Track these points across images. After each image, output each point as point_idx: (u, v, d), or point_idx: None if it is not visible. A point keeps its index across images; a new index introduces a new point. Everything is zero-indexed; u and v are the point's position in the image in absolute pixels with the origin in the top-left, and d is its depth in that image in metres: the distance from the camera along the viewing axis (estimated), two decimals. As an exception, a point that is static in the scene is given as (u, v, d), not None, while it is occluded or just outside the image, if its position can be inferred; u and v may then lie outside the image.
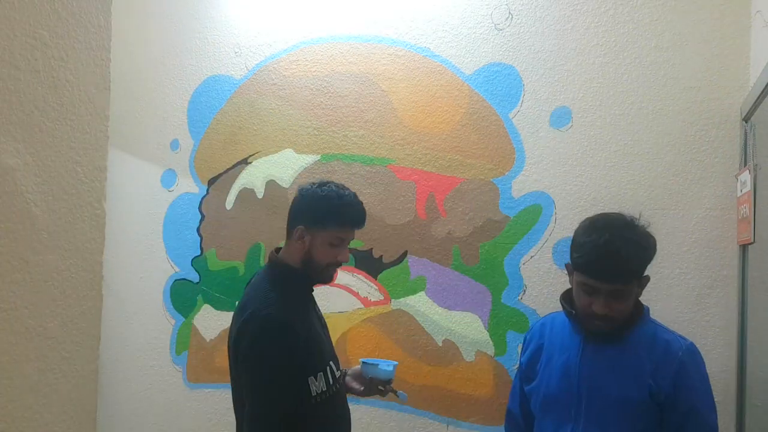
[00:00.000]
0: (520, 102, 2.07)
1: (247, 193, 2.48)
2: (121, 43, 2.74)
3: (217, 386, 2.50)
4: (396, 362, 1.67)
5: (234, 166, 2.51)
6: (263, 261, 2.42)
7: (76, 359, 0.77)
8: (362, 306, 2.26)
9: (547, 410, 1.49)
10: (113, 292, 2.66)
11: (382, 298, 2.23)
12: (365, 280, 2.25)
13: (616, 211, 1.43)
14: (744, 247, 1.73)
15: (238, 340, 1.42)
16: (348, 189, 1.54)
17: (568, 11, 2.02)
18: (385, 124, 2.24)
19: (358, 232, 1.57)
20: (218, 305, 2.52)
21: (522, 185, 2.05)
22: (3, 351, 0.67)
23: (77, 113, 0.78)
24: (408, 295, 2.18)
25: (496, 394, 2.04)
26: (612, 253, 1.30)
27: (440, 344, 2.13)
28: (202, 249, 2.55)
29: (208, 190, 2.55)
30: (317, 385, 1.46)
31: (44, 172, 0.72)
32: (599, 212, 1.49)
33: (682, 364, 1.37)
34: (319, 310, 1.64)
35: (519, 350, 1.78)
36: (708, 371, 1.41)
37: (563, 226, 1.98)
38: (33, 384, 0.71)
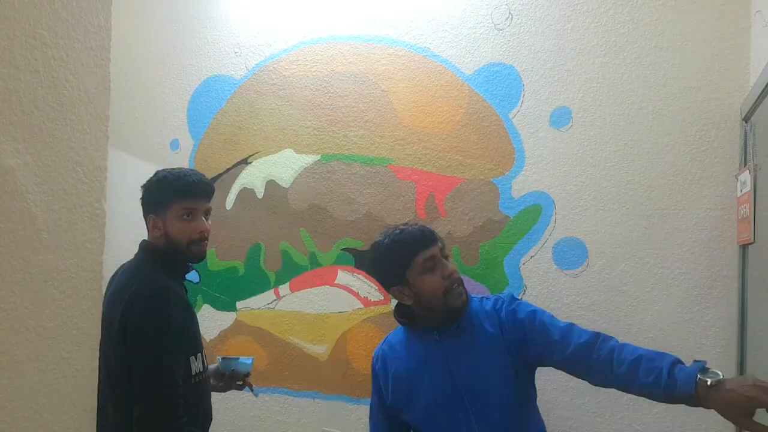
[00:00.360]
0: (520, 102, 2.07)
1: (247, 193, 2.48)
2: (121, 43, 2.74)
3: (217, 386, 2.50)
4: (253, 356, 1.80)
5: (234, 166, 2.51)
6: (263, 261, 2.43)
7: (76, 359, 0.77)
8: (362, 306, 2.26)
9: (435, 426, 1.45)
10: (113, 292, 2.65)
11: (382, 298, 2.23)
12: (365, 280, 2.25)
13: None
14: (744, 247, 1.73)
15: (126, 319, 1.41)
16: (186, 168, 1.62)
17: (568, 11, 2.02)
18: (385, 124, 2.24)
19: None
20: (218, 305, 2.52)
21: (522, 185, 2.05)
22: (3, 351, 0.67)
23: (77, 113, 0.78)
24: (408, 295, 2.18)
25: (496, 394, 2.04)
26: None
27: (440, 344, 2.13)
28: (202, 249, 2.55)
29: (208, 190, 2.55)
30: (196, 365, 1.49)
31: (44, 172, 0.72)
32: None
33: (512, 311, 1.44)
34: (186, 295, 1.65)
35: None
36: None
37: (563, 226, 1.99)
38: (33, 384, 0.71)
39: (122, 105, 2.69)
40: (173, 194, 1.55)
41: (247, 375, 1.80)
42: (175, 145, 2.63)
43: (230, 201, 2.50)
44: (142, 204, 1.63)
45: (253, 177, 2.47)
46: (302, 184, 2.38)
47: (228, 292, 2.50)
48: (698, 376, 1.12)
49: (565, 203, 1.99)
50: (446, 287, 1.40)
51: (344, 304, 2.28)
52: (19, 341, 0.69)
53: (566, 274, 1.97)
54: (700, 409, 1.14)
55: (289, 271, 2.39)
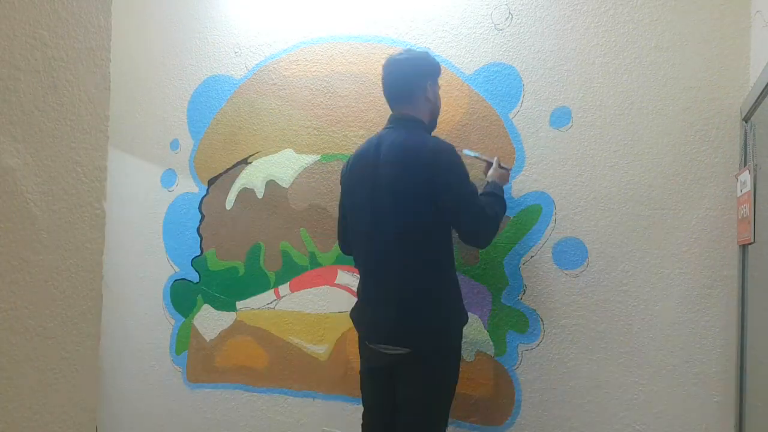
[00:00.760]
0: (520, 102, 2.07)
1: (247, 193, 2.48)
2: (121, 43, 2.74)
3: (216, 386, 2.50)
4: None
5: (234, 166, 2.51)
6: (263, 261, 2.43)
7: (76, 359, 0.77)
8: (362, 306, 2.26)
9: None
10: (113, 292, 2.66)
11: (382, 298, 2.22)
12: (365, 280, 2.25)
13: None
14: (744, 247, 1.73)
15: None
16: None
17: (568, 11, 2.02)
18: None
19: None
20: (218, 305, 2.52)
21: (522, 185, 2.05)
22: (3, 351, 0.67)
23: (77, 113, 0.78)
24: (408, 295, 2.18)
25: (496, 394, 2.04)
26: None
27: (440, 344, 2.13)
28: (202, 249, 2.56)
29: (208, 190, 2.56)
30: None
31: (44, 172, 0.72)
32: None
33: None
34: None
35: (519, 350, 1.78)
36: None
37: (563, 226, 1.99)
38: (33, 384, 0.71)
39: (122, 105, 2.69)
40: None
41: None
42: (175, 145, 2.63)
43: (230, 201, 2.50)
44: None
45: (253, 177, 2.47)
46: (302, 184, 2.38)
47: (228, 292, 2.50)
48: None
49: (565, 203, 1.99)
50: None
51: (344, 304, 2.28)
52: (19, 341, 0.69)
53: (566, 274, 1.97)
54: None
55: (289, 271, 2.39)
